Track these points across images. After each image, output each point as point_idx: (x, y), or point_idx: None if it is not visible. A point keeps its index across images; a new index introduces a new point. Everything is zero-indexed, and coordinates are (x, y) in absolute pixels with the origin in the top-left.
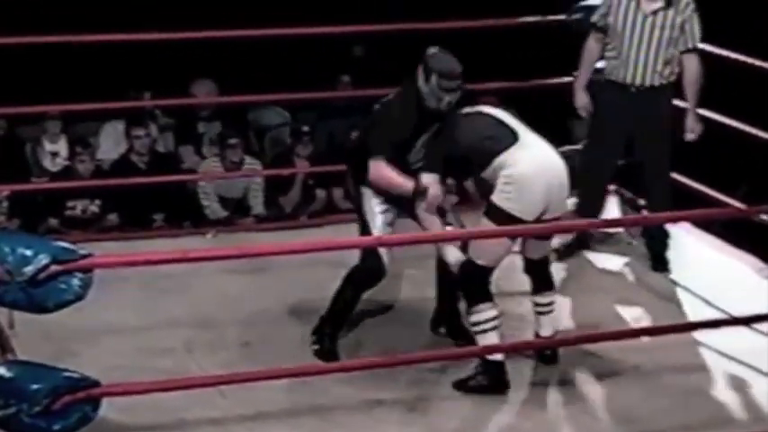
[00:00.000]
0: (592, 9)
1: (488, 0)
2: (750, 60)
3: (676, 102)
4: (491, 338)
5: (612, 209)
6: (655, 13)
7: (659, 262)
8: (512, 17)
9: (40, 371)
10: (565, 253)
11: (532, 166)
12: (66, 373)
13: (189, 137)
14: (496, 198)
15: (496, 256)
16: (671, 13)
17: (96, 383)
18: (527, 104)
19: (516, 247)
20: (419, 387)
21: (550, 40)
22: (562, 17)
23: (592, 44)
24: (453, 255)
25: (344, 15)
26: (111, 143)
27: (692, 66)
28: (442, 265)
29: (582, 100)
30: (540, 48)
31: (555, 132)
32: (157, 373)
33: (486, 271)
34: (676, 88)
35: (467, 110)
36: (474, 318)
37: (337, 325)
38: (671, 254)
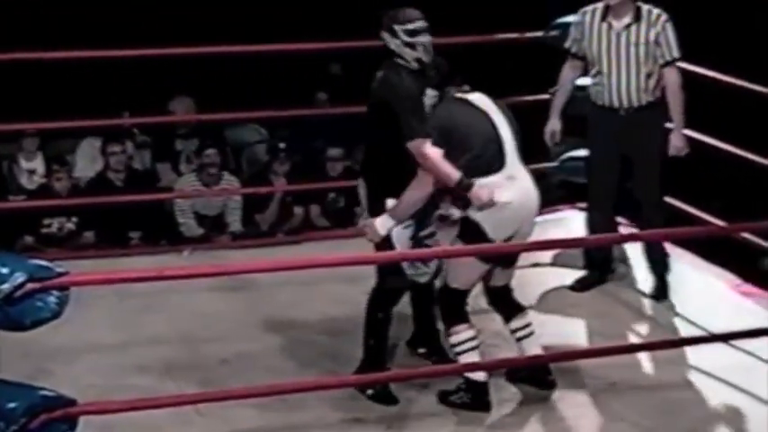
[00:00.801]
0: (569, 26)
1: (465, 17)
2: (721, 77)
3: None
4: (471, 358)
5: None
6: (627, 28)
7: (659, 290)
8: (489, 34)
9: (16, 389)
10: (581, 287)
11: (515, 197)
12: (43, 392)
13: (166, 154)
14: (473, 213)
15: (470, 280)
16: (643, 26)
17: (73, 402)
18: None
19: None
20: (397, 405)
21: (527, 58)
22: (539, 34)
23: (567, 71)
24: None
25: (322, 33)
26: (87, 161)
27: (671, 79)
28: (416, 286)
29: (551, 126)
30: (517, 65)
31: (532, 149)
32: (135, 391)
33: (462, 294)
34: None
35: (458, 95)
36: (453, 339)
37: (380, 359)
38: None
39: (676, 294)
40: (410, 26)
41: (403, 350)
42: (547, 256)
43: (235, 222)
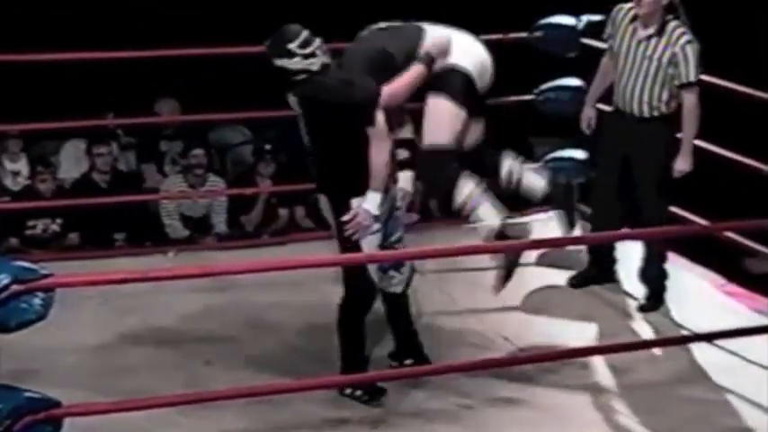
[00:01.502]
0: (553, 27)
1: (449, 18)
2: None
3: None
4: (486, 207)
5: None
6: (648, 39)
7: (652, 300)
8: (473, 34)
9: (1, 391)
10: (578, 283)
11: (482, 51)
12: (28, 394)
13: (151, 155)
14: (456, 60)
15: (455, 130)
16: (662, 42)
17: (58, 404)
18: (488, 122)
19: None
20: (381, 405)
21: (512, 58)
22: (524, 35)
23: (606, 61)
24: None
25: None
26: (71, 162)
27: (686, 102)
28: (388, 298)
29: (586, 113)
30: (501, 65)
31: (516, 150)
32: (119, 392)
33: (451, 154)
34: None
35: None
36: (459, 200)
37: (359, 361)
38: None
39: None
40: (301, 38)
41: (387, 349)
42: (532, 256)
43: (220, 224)
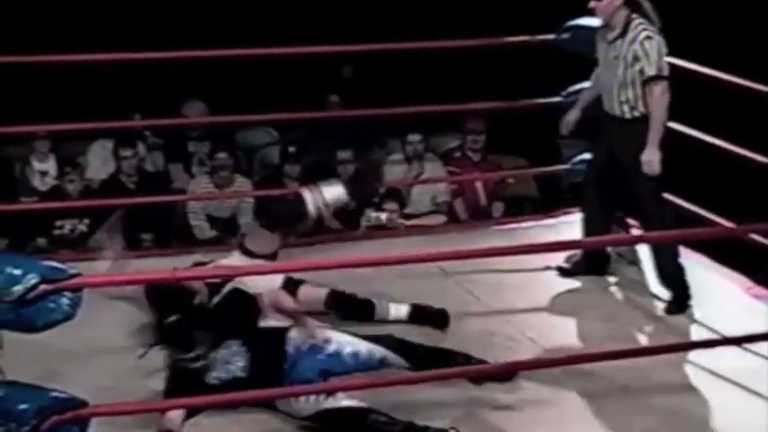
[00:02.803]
0: (580, 28)
1: (477, 20)
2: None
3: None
4: None
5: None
6: (614, 41)
7: (677, 300)
8: (500, 37)
9: (27, 391)
10: (570, 271)
11: None
12: (54, 394)
13: (179, 156)
14: None
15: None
16: (626, 42)
17: (84, 404)
18: (516, 125)
19: None
20: (408, 407)
21: (539, 60)
22: (551, 37)
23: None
24: None
25: (333, 36)
26: (99, 162)
27: (651, 96)
28: None
29: (569, 116)
30: (529, 68)
31: (543, 152)
32: (145, 393)
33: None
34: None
35: None
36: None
37: None
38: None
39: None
40: None
41: None
42: (558, 258)
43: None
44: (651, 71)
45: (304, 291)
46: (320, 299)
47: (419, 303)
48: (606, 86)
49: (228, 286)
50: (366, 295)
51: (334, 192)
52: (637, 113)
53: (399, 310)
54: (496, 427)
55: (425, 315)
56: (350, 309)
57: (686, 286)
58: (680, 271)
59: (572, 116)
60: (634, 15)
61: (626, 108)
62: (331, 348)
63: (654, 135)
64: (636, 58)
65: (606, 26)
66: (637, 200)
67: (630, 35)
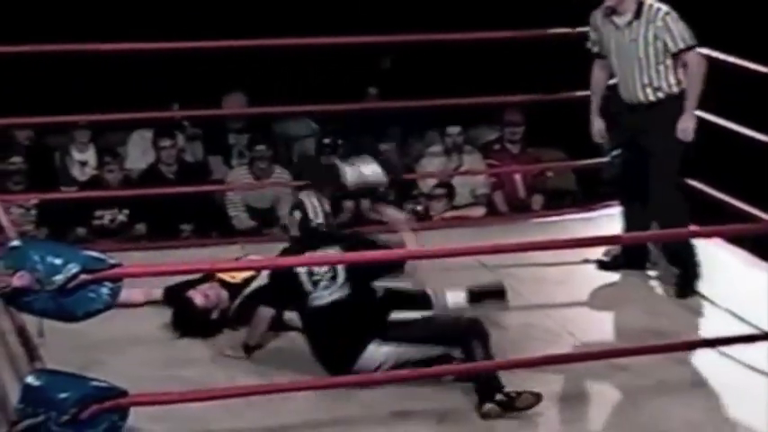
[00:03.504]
0: None
1: (515, 12)
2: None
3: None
4: None
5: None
6: (628, 25)
7: (684, 287)
8: (538, 29)
9: (68, 380)
10: (609, 265)
11: None
12: (94, 383)
13: (218, 147)
14: None
15: None
16: (641, 24)
17: (124, 393)
18: (555, 117)
19: None
20: (447, 398)
21: (578, 53)
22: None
23: (596, 72)
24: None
25: (372, 27)
26: (138, 153)
27: (689, 65)
28: None
29: (596, 126)
30: (569, 60)
31: (582, 145)
32: (184, 382)
33: None
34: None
35: None
36: None
37: None
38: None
39: (727, 291)
40: None
41: None
42: (598, 252)
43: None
44: (679, 43)
45: None
46: None
47: (471, 285)
48: (623, 74)
49: None
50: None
51: (370, 168)
52: (661, 95)
53: (457, 297)
54: (534, 419)
55: (484, 293)
56: (407, 302)
57: (697, 266)
58: (691, 250)
59: (598, 124)
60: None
61: (649, 91)
62: None
63: (691, 103)
64: (656, 36)
65: (612, 13)
66: (653, 184)
67: (645, 16)
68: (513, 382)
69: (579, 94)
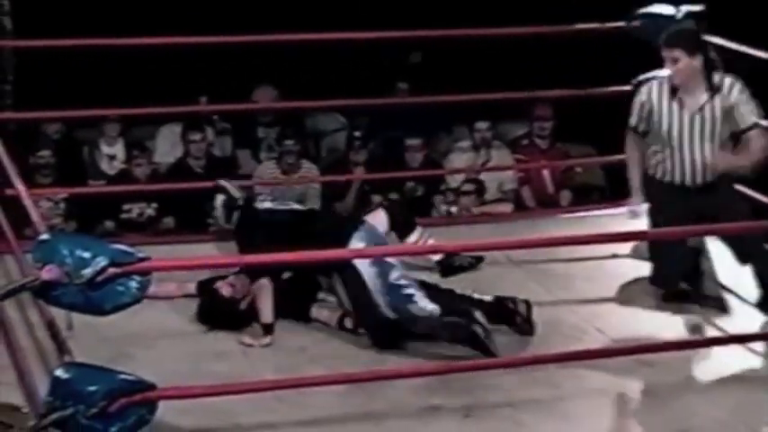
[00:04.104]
0: (652, 16)
1: (546, 7)
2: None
3: None
4: None
5: None
6: (701, 108)
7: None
8: (570, 24)
9: (96, 373)
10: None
11: None
12: (123, 376)
13: (246, 141)
14: None
15: None
16: (718, 101)
17: (153, 386)
18: (584, 112)
19: None
20: (474, 393)
21: (610, 48)
22: (622, 24)
23: (633, 148)
24: None
25: (402, 22)
26: (167, 147)
27: (752, 143)
28: None
29: (636, 200)
30: (598, 55)
31: (611, 141)
32: (213, 376)
33: None
34: None
35: None
36: None
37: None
38: None
39: (749, 285)
40: None
41: None
42: (626, 247)
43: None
44: (748, 120)
45: None
46: None
47: (501, 296)
48: (692, 154)
49: None
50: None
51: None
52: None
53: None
54: (559, 415)
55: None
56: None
57: None
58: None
59: (639, 199)
60: (716, 73)
61: (710, 171)
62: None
63: (742, 162)
64: (728, 113)
65: (677, 91)
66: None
67: (721, 92)
68: (540, 377)
69: (609, 89)
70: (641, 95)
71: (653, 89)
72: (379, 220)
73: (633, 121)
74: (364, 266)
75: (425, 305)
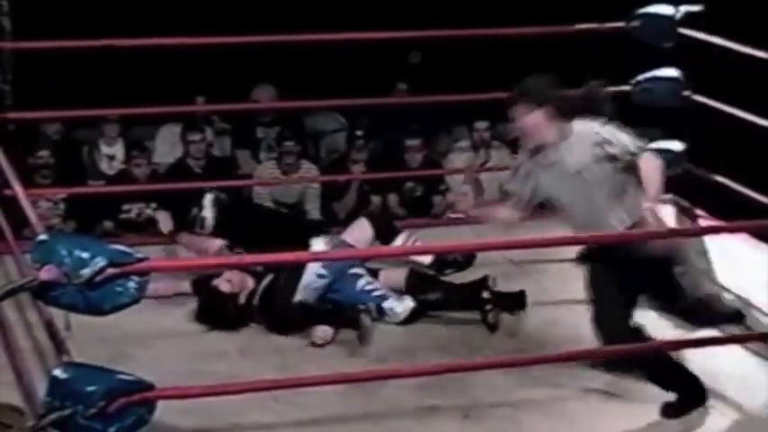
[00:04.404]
0: (651, 16)
1: (546, 7)
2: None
3: None
4: None
5: (669, 219)
6: (558, 159)
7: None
8: (570, 24)
9: (95, 373)
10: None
11: None
12: (122, 376)
13: (246, 141)
14: None
15: None
16: (574, 149)
17: (151, 386)
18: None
19: None
20: (473, 393)
21: (609, 48)
22: (620, 24)
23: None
24: None
25: (401, 22)
26: (167, 147)
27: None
28: None
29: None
30: (598, 55)
31: None
32: (212, 376)
33: None
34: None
35: None
36: None
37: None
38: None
39: (748, 285)
40: None
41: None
42: None
43: (313, 210)
44: (631, 147)
45: (384, 274)
46: (399, 281)
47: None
48: (588, 213)
49: None
50: None
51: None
52: (635, 216)
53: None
54: (560, 415)
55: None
56: None
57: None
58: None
59: None
60: (566, 123)
61: (624, 216)
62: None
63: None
64: (604, 151)
65: (541, 153)
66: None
67: (580, 141)
68: (538, 377)
69: (611, 89)
70: (516, 164)
71: (518, 156)
72: (363, 229)
73: (513, 186)
74: (312, 270)
75: (395, 305)
